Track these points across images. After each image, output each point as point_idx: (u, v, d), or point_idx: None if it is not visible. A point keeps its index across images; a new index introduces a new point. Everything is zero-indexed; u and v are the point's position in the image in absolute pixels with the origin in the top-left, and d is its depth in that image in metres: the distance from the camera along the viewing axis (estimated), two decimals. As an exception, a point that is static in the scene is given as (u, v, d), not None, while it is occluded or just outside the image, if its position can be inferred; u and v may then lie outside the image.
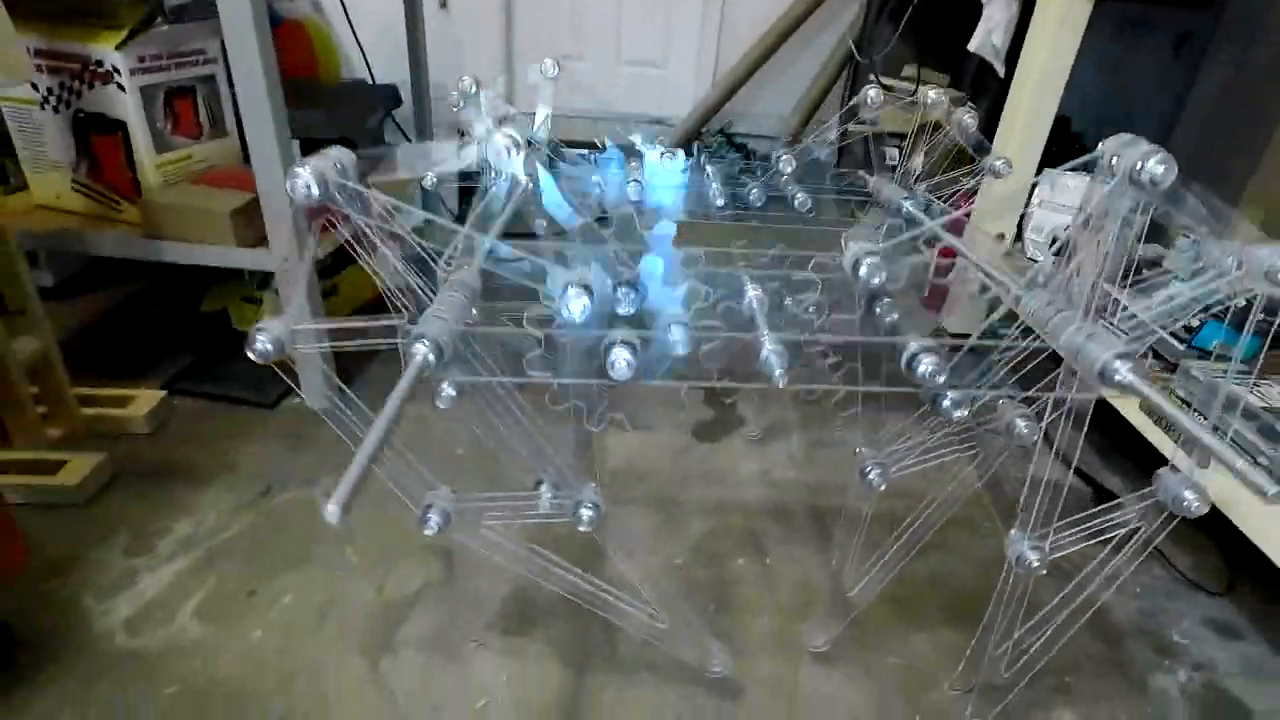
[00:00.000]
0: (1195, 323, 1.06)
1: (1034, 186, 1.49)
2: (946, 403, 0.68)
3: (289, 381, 0.70)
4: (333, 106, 1.66)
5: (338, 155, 0.58)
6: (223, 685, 0.79)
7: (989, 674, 0.73)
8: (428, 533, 0.67)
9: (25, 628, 0.83)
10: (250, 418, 1.21)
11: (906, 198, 0.87)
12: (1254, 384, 0.98)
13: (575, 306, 0.58)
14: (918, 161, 0.92)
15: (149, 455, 1.11)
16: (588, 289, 0.59)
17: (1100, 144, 0.58)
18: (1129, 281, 0.64)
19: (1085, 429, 0.61)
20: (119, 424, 1.14)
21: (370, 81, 1.98)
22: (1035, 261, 1.43)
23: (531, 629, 0.88)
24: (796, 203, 0.95)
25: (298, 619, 0.87)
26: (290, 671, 0.81)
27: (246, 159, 1.06)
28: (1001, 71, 1.67)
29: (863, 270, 0.62)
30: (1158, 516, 0.63)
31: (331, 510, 0.37)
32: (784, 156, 0.97)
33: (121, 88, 1.11)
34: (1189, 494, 0.60)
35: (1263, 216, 1.49)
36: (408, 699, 0.80)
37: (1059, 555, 0.64)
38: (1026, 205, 1.52)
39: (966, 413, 0.69)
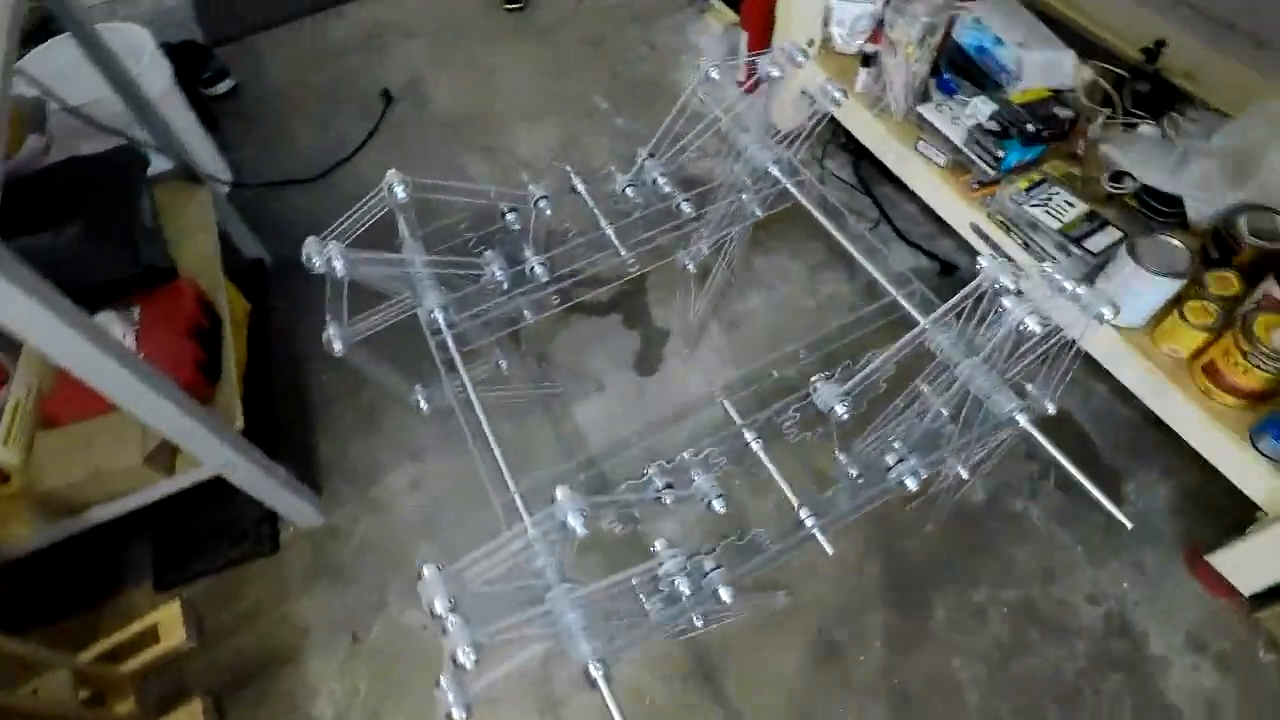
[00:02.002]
0: (1000, 153, 1.26)
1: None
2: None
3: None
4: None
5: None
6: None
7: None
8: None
9: None
10: (264, 572, 1.25)
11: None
12: (1050, 204, 1.23)
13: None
14: None
15: (223, 663, 1.17)
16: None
17: None
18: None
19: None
20: (165, 655, 1.17)
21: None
22: (845, 54, 1.51)
23: None
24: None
25: None
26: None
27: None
28: None
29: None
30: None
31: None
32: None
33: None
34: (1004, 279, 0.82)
35: None
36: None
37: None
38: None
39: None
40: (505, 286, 1.01)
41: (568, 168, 1.12)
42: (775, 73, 1.01)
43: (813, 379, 0.85)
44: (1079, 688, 1.10)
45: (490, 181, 1.73)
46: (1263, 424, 1.03)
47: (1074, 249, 1.18)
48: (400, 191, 0.92)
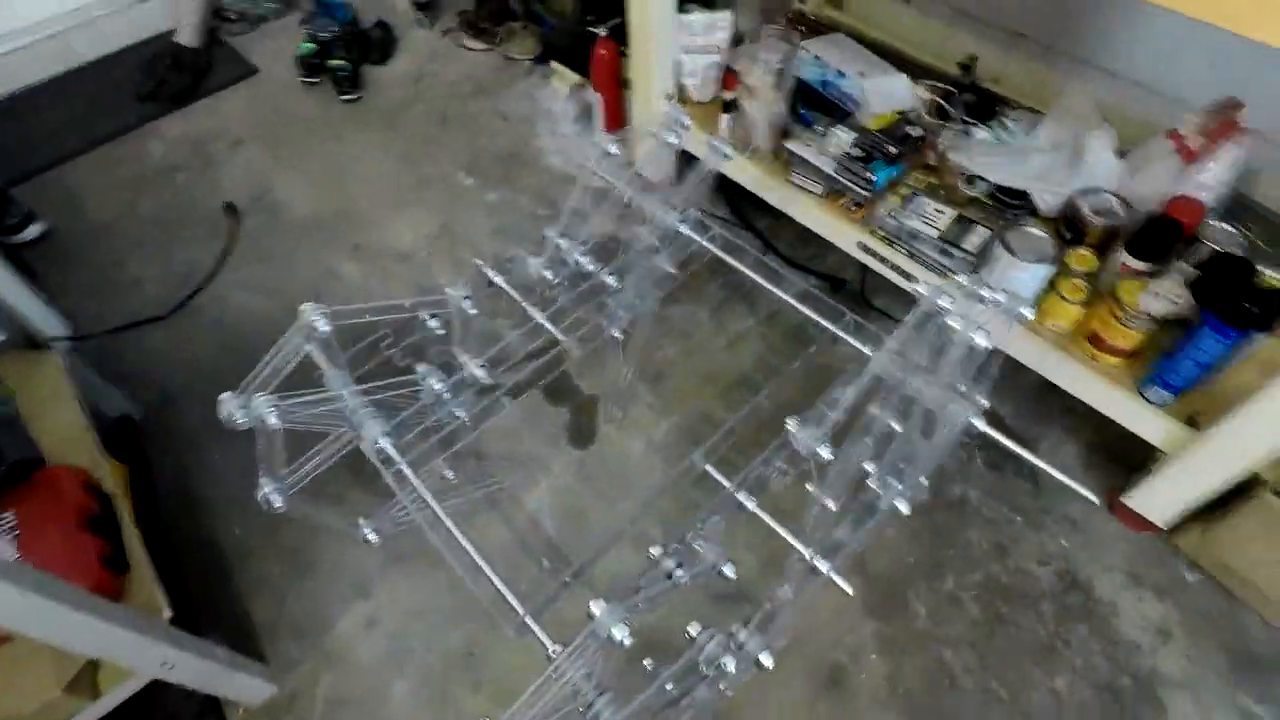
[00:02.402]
0: (871, 176, 1.36)
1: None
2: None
3: None
4: None
5: None
6: None
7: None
8: None
9: None
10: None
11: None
12: (923, 215, 1.34)
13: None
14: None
15: None
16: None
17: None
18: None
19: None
20: None
21: None
22: (702, 103, 1.57)
23: None
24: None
25: None
26: None
27: None
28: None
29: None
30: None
31: None
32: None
33: None
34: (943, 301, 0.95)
35: None
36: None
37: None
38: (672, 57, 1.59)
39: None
40: (447, 396, 0.96)
41: (478, 261, 1.09)
42: (672, 139, 1.04)
43: (788, 423, 0.86)
44: (1053, 645, 1.19)
45: (367, 280, 1.66)
46: (1148, 376, 1.16)
47: (955, 251, 1.30)
48: (322, 325, 0.85)
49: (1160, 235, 1.16)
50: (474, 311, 1.01)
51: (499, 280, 1.07)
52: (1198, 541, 1.23)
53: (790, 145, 1.44)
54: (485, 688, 1.16)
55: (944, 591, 1.24)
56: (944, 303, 0.81)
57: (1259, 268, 1.11)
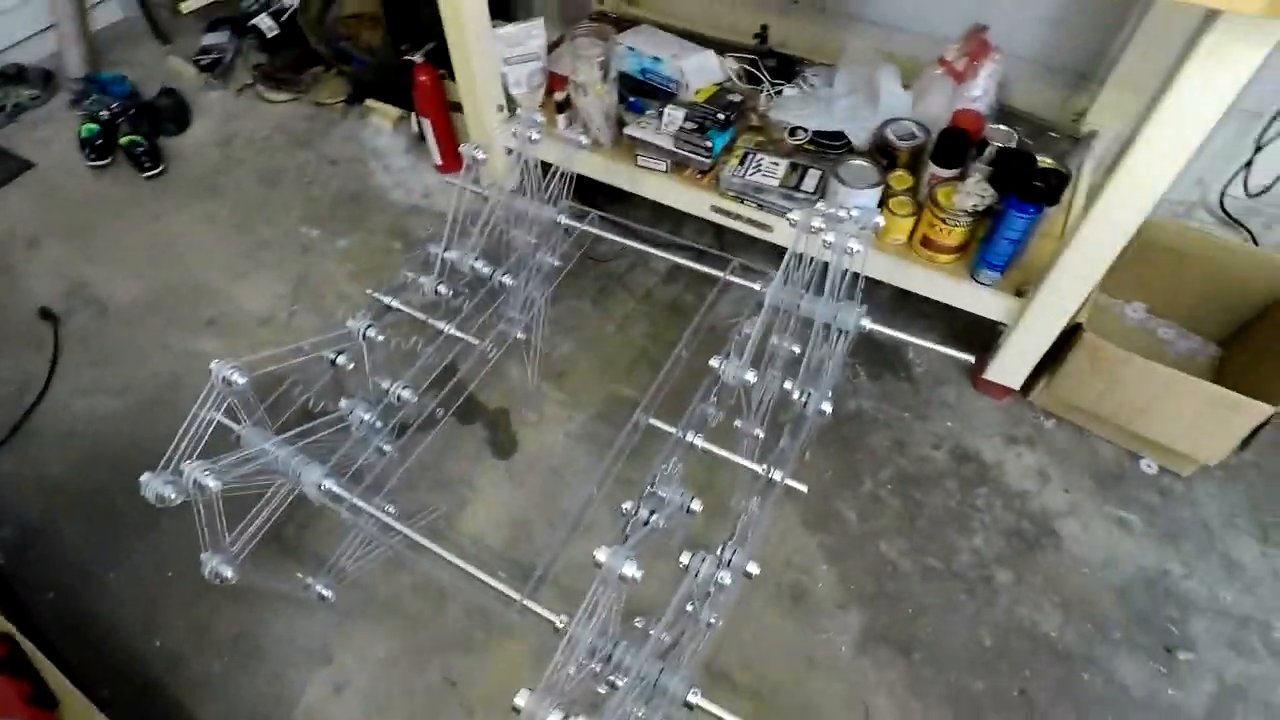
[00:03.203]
0: (709, 143, 1.48)
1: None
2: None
3: None
4: None
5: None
6: None
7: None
8: None
9: None
10: None
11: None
12: (762, 169, 1.48)
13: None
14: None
15: None
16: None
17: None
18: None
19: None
20: None
21: None
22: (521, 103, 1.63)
23: None
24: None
25: None
26: None
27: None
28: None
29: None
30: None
31: None
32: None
33: None
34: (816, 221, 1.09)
35: None
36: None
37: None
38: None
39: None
40: (379, 425, 0.96)
41: (370, 290, 1.08)
42: (534, 136, 1.09)
43: (713, 362, 0.94)
44: (963, 512, 1.36)
45: (234, 351, 1.57)
46: (976, 263, 1.36)
47: (797, 194, 1.44)
48: (238, 378, 0.82)
49: (955, 145, 1.36)
50: (380, 338, 1.00)
51: (397, 304, 1.06)
52: (1046, 393, 1.45)
53: (630, 131, 1.53)
54: (478, 710, 1.14)
55: (865, 493, 1.38)
56: (817, 223, 0.92)
57: (1036, 155, 1.34)
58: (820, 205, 1.00)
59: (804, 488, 0.89)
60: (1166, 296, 1.54)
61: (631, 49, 1.62)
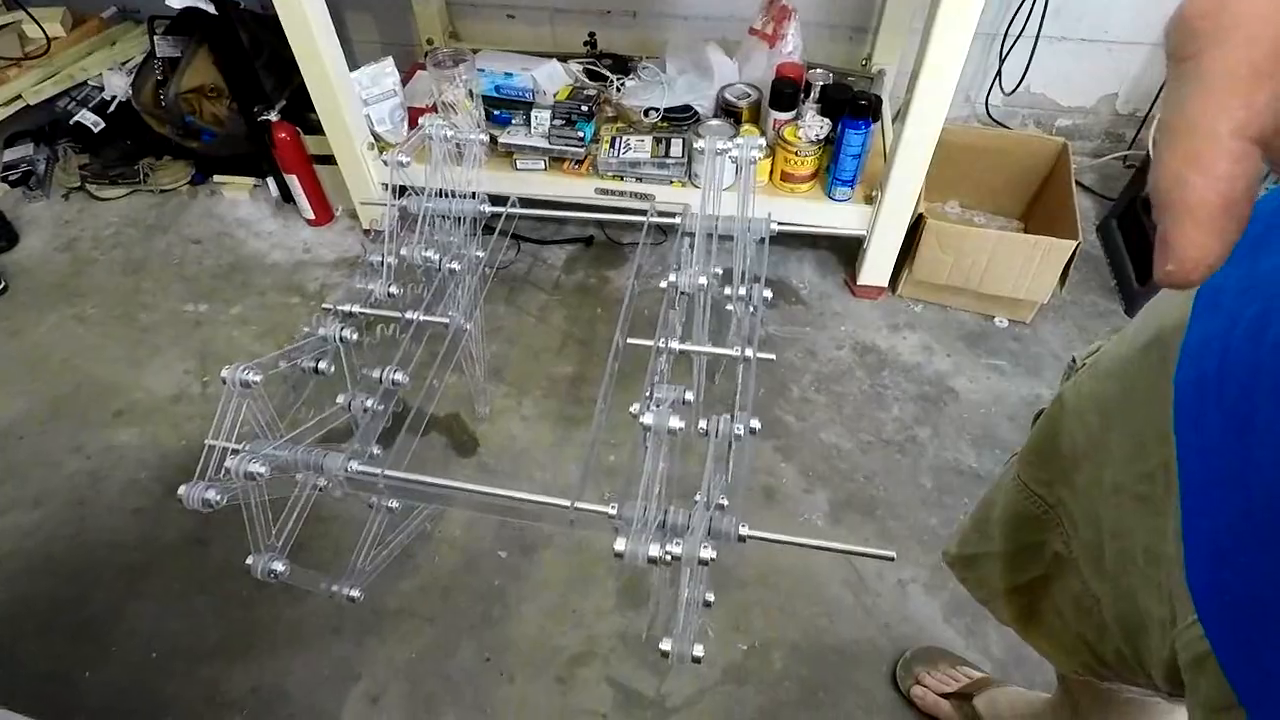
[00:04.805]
0: (580, 134, 1.63)
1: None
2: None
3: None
4: None
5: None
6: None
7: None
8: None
9: None
10: None
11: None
12: (631, 147, 1.65)
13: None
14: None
15: None
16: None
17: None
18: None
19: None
20: None
21: None
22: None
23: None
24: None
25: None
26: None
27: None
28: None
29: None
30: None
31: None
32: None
33: None
34: (720, 142, 1.29)
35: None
36: None
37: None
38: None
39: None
40: (380, 409, 1.00)
41: (325, 303, 1.12)
42: (449, 134, 1.19)
43: (662, 284, 1.07)
44: (878, 393, 1.57)
45: (156, 432, 1.50)
46: (829, 184, 1.60)
47: (667, 160, 1.62)
48: (254, 376, 0.85)
49: (786, 92, 1.61)
50: (355, 336, 1.05)
51: (355, 309, 1.11)
52: (910, 283, 1.71)
53: (504, 139, 1.66)
54: (518, 675, 1.18)
55: (796, 399, 1.56)
56: (720, 144, 1.09)
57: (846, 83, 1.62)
58: (710, 137, 1.17)
59: (773, 356, 1.04)
60: (973, 191, 1.88)
61: (481, 70, 1.75)
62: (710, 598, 0.88)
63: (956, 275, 1.63)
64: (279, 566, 0.85)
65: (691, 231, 1.15)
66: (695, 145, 1.59)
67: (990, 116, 2.06)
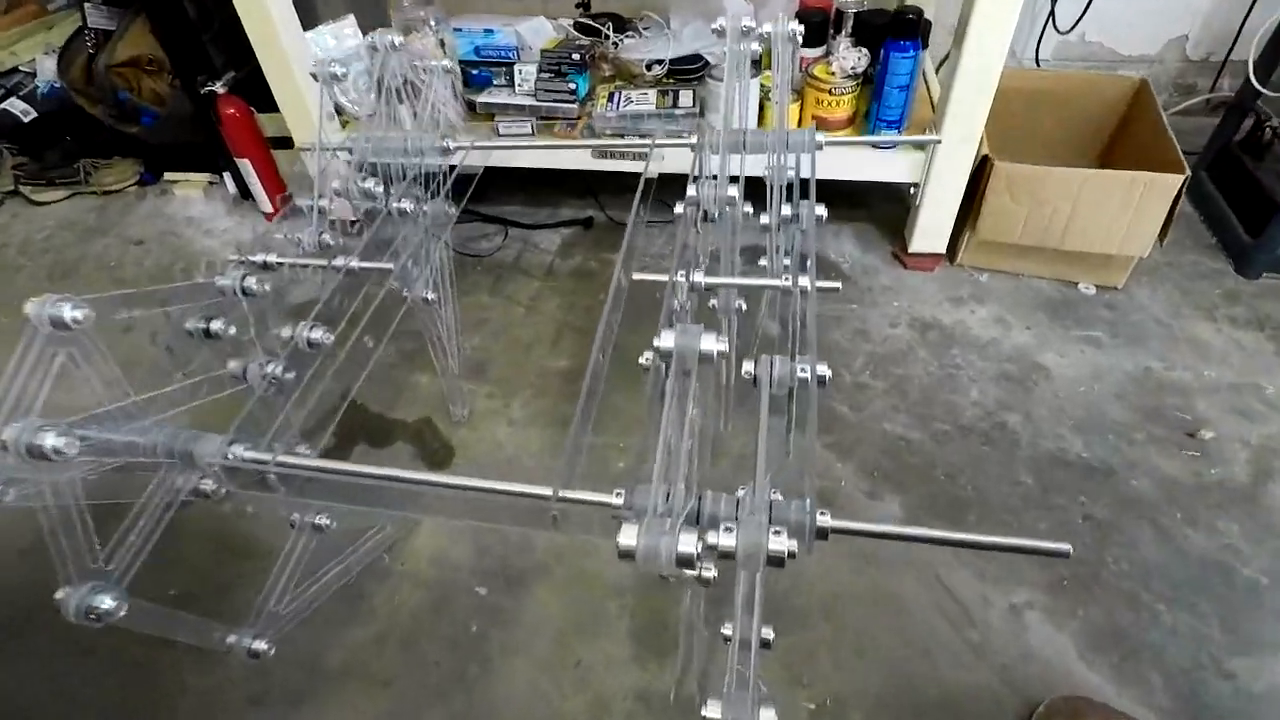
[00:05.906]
0: (573, 86, 1.38)
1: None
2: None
3: None
4: None
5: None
6: None
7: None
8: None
9: None
10: None
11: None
12: (633, 100, 1.40)
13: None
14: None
15: None
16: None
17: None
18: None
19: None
20: None
21: None
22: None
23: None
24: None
25: None
26: None
27: None
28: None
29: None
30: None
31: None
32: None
33: None
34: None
35: None
36: None
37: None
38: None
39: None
40: (289, 377, 0.71)
41: (232, 258, 0.85)
42: (398, 41, 0.94)
43: (677, 209, 0.80)
44: (948, 374, 1.27)
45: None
46: (872, 126, 1.33)
47: (676, 112, 1.36)
48: (77, 312, 0.57)
49: (815, 25, 1.35)
50: (267, 286, 0.77)
51: (272, 259, 0.84)
52: (973, 247, 1.42)
53: (483, 99, 1.41)
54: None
55: (848, 385, 1.26)
56: (747, 21, 0.83)
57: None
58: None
59: (838, 285, 0.76)
60: (1027, 144, 1.59)
61: (458, 29, 1.51)
62: (769, 635, 0.58)
63: (1032, 231, 1.34)
64: (107, 603, 0.55)
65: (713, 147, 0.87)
66: (711, 74, 1.33)
67: (1039, 66, 1.80)
